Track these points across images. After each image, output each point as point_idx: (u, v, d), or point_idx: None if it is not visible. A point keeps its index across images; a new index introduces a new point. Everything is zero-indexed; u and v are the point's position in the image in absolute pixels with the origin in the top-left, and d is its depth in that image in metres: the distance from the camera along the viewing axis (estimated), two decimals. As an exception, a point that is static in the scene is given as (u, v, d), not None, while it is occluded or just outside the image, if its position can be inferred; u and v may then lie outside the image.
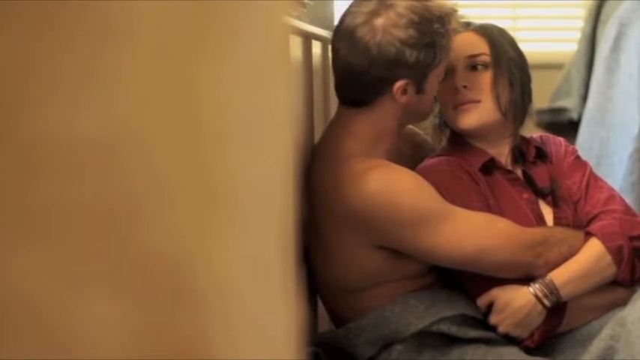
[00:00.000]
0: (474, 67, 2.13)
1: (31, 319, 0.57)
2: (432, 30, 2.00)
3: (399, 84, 2.00)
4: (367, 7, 2.01)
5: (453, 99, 2.12)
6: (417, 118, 2.15)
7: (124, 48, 0.58)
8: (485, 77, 2.12)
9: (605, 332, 2.02)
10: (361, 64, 2.00)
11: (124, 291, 0.58)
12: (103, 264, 0.58)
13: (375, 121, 2.04)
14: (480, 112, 2.12)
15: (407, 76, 2.00)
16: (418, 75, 2.01)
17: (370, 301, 2.07)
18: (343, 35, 2.03)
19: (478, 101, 2.12)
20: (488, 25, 2.20)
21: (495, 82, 2.12)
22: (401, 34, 1.98)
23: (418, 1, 2.01)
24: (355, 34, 2.00)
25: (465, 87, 2.11)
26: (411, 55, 1.98)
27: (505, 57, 2.15)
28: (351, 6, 2.07)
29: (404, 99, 2.02)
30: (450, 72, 2.12)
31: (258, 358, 0.66)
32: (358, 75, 2.01)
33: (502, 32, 2.21)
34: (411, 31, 1.98)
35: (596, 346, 2.02)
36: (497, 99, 2.12)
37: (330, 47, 2.11)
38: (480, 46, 2.14)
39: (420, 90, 2.03)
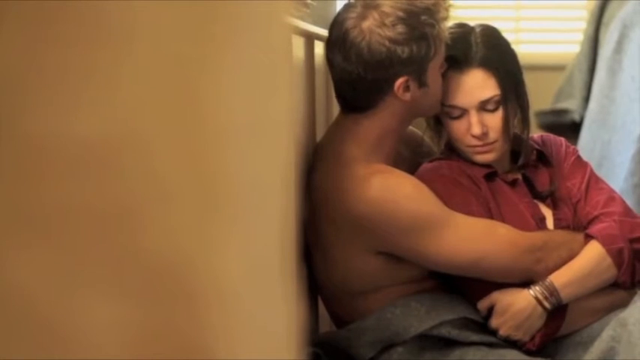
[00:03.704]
0: (487, 110, 2.10)
1: (31, 320, 0.57)
2: (421, 22, 1.99)
3: (399, 82, 1.99)
4: (354, 12, 2.01)
5: (470, 141, 2.10)
6: (425, 112, 2.13)
7: (124, 48, 0.58)
8: (499, 116, 2.11)
9: (607, 333, 2.02)
10: (356, 69, 1.99)
11: (123, 292, 0.58)
12: (102, 265, 0.58)
13: (379, 123, 2.04)
14: (496, 150, 2.13)
15: (405, 72, 1.99)
16: (416, 69, 2.00)
17: (371, 303, 2.07)
18: (335, 44, 2.03)
19: (494, 142, 2.11)
20: (489, 46, 2.14)
21: (508, 120, 2.11)
22: (389, 32, 1.97)
23: None
24: (346, 41, 1.99)
25: (484, 134, 2.10)
26: (403, 51, 1.97)
27: (512, 83, 2.14)
28: (338, 14, 2.06)
29: (407, 96, 2.01)
30: (464, 114, 2.10)
31: (258, 359, 0.66)
32: (356, 81, 2.00)
33: (499, 44, 2.17)
34: (399, 28, 1.97)
35: (597, 347, 2.02)
36: (509, 133, 2.12)
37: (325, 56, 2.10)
38: (490, 87, 2.09)
39: (422, 84, 2.02)
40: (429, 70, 2.02)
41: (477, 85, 2.10)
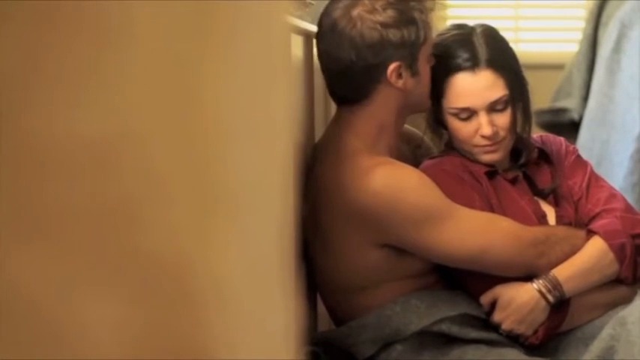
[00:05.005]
0: (496, 110, 2.10)
1: (30, 319, 0.57)
2: (410, 7, 2.02)
3: (392, 67, 2.01)
4: (342, 3, 2.03)
5: (479, 141, 2.10)
6: (417, 104, 2.13)
7: (123, 48, 0.58)
8: (508, 116, 2.11)
9: (606, 332, 2.02)
10: (348, 56, 2.00)
11: (123, 291, 0.58)
12: (102, 264, 0.58)
13: (375, 114, 2.04)
14: (503, 148, 2.13)
15: (397, 57, 2.01)
16: (408, 55, 2.02)
17: (371, 300, 2.07)
18: (325, 34, 2.04)
19: (502, 140, 2.11)
20: (493, 47, 2.14)
21: (516, 118, 2.11)
22: (379, 17, 2.00)
23: None
24: (336, 29, 2.01)
25: (494, 133, 2.10)
26: (394, 34, 2.00)
27: (518, 82, 2.14)
28: (327, 6, 2.07)
29: (400, 83, 2.02)
30: (472, 115, 2.10)
31: (257, 358, 0.66)
32: (348, 68, 2.01)
33: (501, 44, 2.18)
34: (390, 12, 2.00)
35: (597, 345, 2.02)
36: (516, 130, 2.12)
37: (315, 48, 2.11)
38: (500, 88, 2.09)
39: (414, 72, 2.03)
40: (420, 58, 2.04)
41: (487, 86, 2.10)
